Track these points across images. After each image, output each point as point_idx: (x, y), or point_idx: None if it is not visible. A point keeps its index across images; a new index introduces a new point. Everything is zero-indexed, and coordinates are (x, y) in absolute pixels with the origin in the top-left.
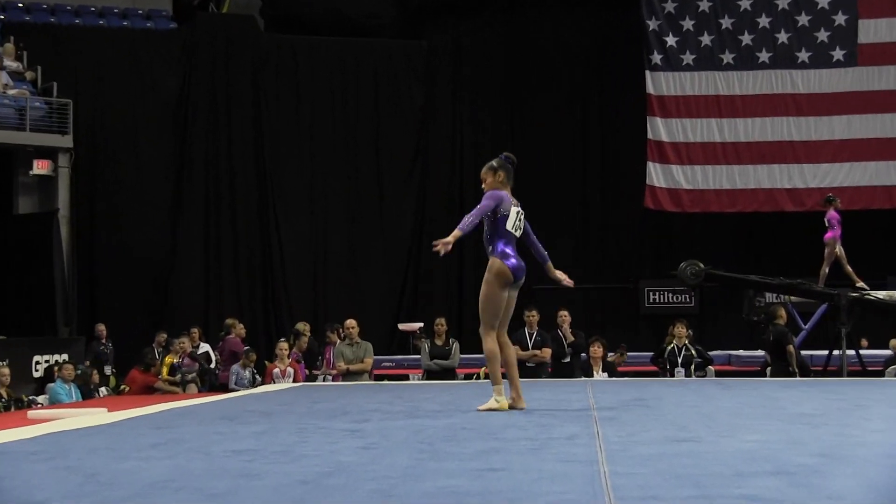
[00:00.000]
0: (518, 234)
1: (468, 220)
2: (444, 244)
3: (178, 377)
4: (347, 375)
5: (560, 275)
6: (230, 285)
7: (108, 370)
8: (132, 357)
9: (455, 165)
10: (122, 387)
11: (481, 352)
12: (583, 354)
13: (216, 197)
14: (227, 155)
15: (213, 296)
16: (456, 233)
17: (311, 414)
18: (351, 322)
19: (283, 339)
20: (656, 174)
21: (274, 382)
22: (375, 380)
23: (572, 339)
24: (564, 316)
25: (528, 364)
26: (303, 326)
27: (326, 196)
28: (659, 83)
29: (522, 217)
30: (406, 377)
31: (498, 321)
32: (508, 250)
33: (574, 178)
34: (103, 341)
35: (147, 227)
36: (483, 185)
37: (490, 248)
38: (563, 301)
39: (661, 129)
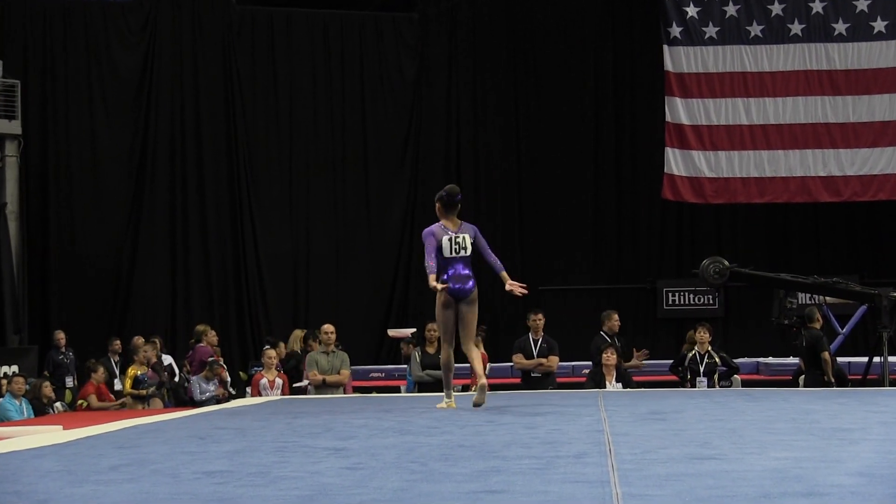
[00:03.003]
0: (464, 253)
1: (428, 263)
2: (441, 287)
3: (145, 391)
4: (322, 388)
5: (511, 285)
6: (199, 288)
7: (69, 382)
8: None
9: (451, 152)
10: (80, 401)
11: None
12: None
13: (183, 189)
14: (194, 143)
15: (179, 300)
16: (431, 278)
17: (290, 430)
18: (328, 327)
19: (268, 346)
20: (675, 161)
21: (261, 395)
22: (357, 392)
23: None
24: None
25: (533, 374)
26: (301, 333)
27: (307, 187)
28: (678, 59)
29: (465, 237)
30: (398, 389)
31: (450, 335)
32: (444, 278)
33: (584, 166)
34: (62, 350)
35: (106, 222)
36: None
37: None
38: (572, 303)
39: (680, 110)
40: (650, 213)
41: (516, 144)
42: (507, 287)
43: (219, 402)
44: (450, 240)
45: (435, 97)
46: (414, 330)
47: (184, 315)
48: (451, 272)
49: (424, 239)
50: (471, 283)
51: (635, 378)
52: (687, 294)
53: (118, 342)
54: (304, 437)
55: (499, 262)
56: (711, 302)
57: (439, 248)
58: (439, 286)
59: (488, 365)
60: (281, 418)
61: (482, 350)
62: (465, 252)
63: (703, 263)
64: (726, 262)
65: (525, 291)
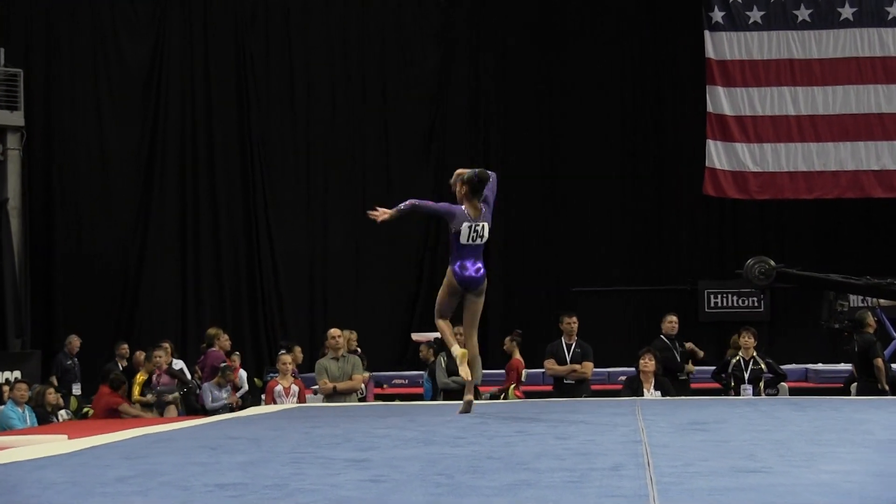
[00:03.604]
0: (480, 241)
1: (414, 201)
2: (384, 212)
3: (153, 398)
4: (333, 396)
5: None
6: (211, 290)
7: (76, 389)
8: (95, 374)
9: (478, 145)
10: (86, 409)
11: (503, 366)
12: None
13: (194, 185)
14: (206, 137)
15: (190, 302)
16: (393, 211)
17: (307, 441)
18: (335, 331)
19: (283, 352)
20: (718, 154)
21: (276, 402)
22: (379, 400)
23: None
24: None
25: (565, 381)
26: (350, 334)
27: (325, 183)
28: (721, 46)
29: (484, 226)
30: (421, 397)
31: (445, 313)
32: (456, 266)
33: (620, 159)
34: (73, 355)
35: (113, 220)
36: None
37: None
38: (607, 306)
39: (723, 100)
40: (691, 209)
41: (547, 136)
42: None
43: (231, 410)
44: (469, 227)
45: (460, 86)
46: (436, 335)
47: (195, 318)
48: (461, 261)
49: (443, 206)
50: (483, 271)
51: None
52: (730, 296)
53: (125, 346)
54: (322, 447)
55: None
56: (756, 305)
57: (458, 234)
58: (388, 214)
59: (524, 371)
60: (297, 427)
61: (518, 356)
62: (481, 241)
63: (747, 263)
64: (772, 262)
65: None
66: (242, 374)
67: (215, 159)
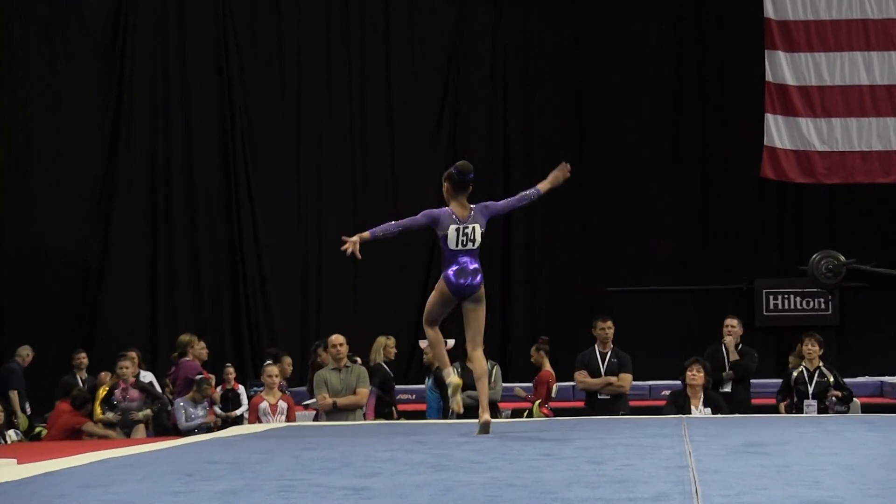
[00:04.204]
0: (471, 245)
1: (386, 225)
2: (352, 242)
3: (116, 416)
4: (333, 412)
5: (558, 175)
6: (186, 291)
7: (26, 407)
8: (51, 389)
9: (496, 123)
10: (38, 429)
11: (530, 379)
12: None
13: (166, 169)
14: (180, 112)
15: (161, 305)
16: (364, 234)
17: (298, 465)
18: (337, 338)
19: (269, 363)
20: (778, 131)
21: (261, 421)
22: (381, 417)
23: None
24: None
25: (600, 395)
26: (386, 340)
27: (319, 167)
28: (782, 4)
29: (475, 228)
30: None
31: (435, 319)
32: (450, 272)
33: (663, 139)
34: (24, 367)
35: (70, 208)
36: None
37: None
38: (648, 308)
39: (784, 67)
40: (746, 196)
41: (577, 111)
42: (560, 178)
43: (209, 429)
44: (457, 230)
45: (477, 54)
46: (453, 341)
47: (166, 323)
48: (455, 267)
49: (422, 215)
50: (479, 277)
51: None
52: (792, 297)
53: (84, 355)
54: (315, 473)
55: (530, 190)
56: (823, 307)
57: (445, 238)
58: (354, 241)
59: (555, 385)
60: (287, 450)
61: (548, 367)
62: (474, 245)
63: (812, 259)
64: (842, 258)
65: (567, 168)
66: (240, 390)
67: (192, 139)
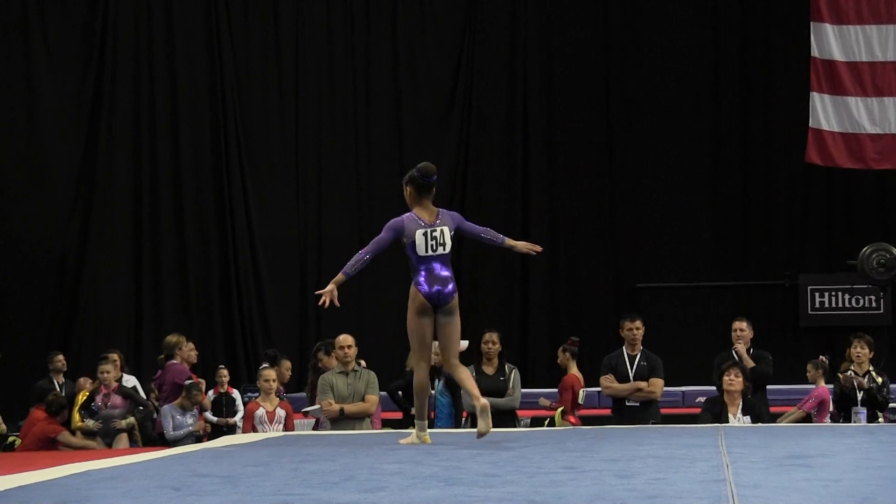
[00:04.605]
0: (442, 250)
1: (356, 258)
2: (328, 293)
3: (96, 424)
4: (339, 420)
5: (524, 245)
6: (173, 286)
7: None
8: (24, 395)
9: (516, 100)
10: (11, 438)
11: (555, 384)
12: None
13: (151, 152)
14: (167, 89)
15: (146, 303)
16: (338, 276)
17: (297, 479)
18: (346, 339)
19: (266, 366)
20: (825, 112)
21: (256, 430)
22: (388, 426)
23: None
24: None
25: (628, 402)
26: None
27: (319, 150)
28: None
29: (443, 231)
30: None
31: (427, 351)
32: (421, 278)
33: (698, 119)
34: None
35: (46, 195)
36: None
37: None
38: (681, 306)
39: (831, 40)
40: (789, 183)
41: (605, 88)
42: (523, 249)
43: (198, 439)
44: (425, 234)
45: (494, 23)
46: (466, 342)
47: (151, 322)
48: (424, 274)
49: (386, 230)
50: (451, 286)
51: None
52: (841, 294)
53: (61, 358)
54: (316, 487)
55: (498, 234)
56: (874, 305)
57: (413, 246)
58: (329, 290)
59: (583, 391)
60: (285, 462)
61: (575, 371)
62: (444, 249)
63: (863, 252)
64: (895, 251)
65: (538, 249)
66: (235, 395)
67: (179, 118)
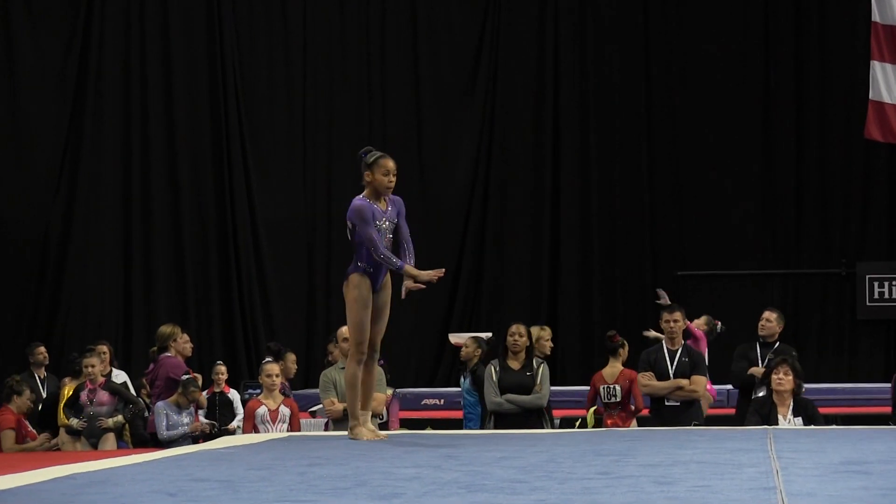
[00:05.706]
0: (386, 240)
1: (394, 255)
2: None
3: (81, 423)
4: (344, 421)
5: (425, 274)
6: (167, 273)
7: None
8: None
9: (546, 73)
10: None
11: (586, 382)
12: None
13: (142, 127)
14: (160, 58)
15: (136, 291)
16: (408, 268)
17: (304, 485)
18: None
19: (269, 360)
20: (887, 83)
21: (258, 430)
22: (405, 427)
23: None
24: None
25: (668, 402)
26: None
27: (328, 126)
28: None
29: (390, 224)
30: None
31: (365, 344)
32: (366, 264)
33: (746, 92)
34: None
35: (28, 175)
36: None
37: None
38: (726, 296)
39: (893, 2)
40: (846, 161)
41: (644, 58)
42: (424, 278)
43: (195, 440)
44: (378, 227)
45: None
46: (489, 335)
47: (142, 312)
48: (369, 258)
49: (357, 221)
50: (384, 270)
51: (825, 410)
52: None
53: (43, 350)
54: (325, 493)
55: (411, 256)
56: None
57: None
58: (428, 275)
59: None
60: (290, 465)
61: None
62: (388, 238)
63: None
64: None
65: (439, 275)
66: (233, 395)
67: (173, 89)
